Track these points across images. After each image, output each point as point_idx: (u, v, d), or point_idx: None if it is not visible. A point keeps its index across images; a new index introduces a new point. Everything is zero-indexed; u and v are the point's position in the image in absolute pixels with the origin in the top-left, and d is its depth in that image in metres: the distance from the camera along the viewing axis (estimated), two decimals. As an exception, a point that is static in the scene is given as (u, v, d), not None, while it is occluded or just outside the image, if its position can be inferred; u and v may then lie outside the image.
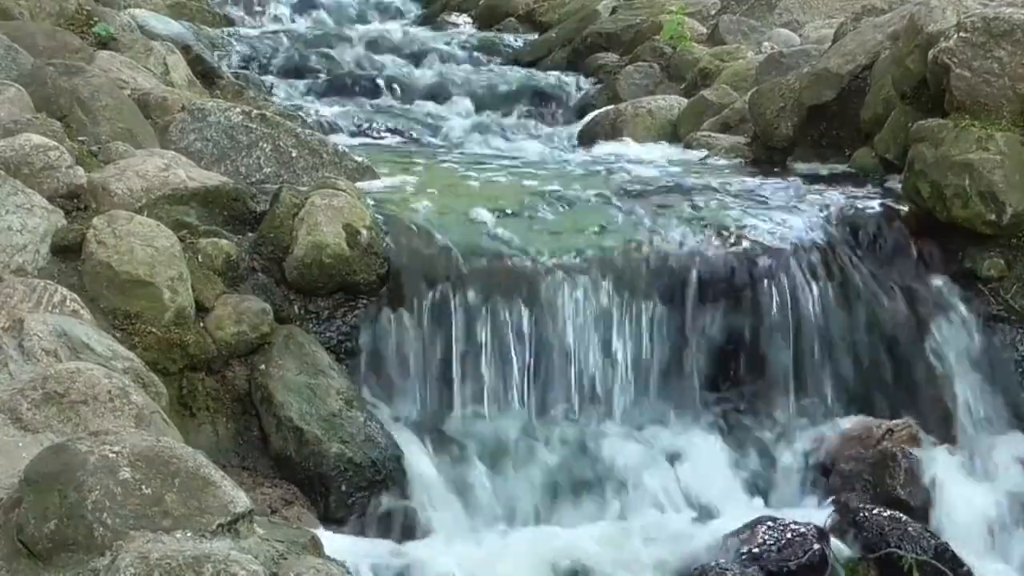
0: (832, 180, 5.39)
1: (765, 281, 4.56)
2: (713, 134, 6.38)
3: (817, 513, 4.14)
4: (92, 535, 2.65)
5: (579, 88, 8.49)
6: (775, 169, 5.69)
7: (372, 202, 4.74)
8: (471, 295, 4.38)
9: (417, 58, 9.15)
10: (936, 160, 4.69)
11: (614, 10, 9.47)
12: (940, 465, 4.34)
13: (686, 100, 7.09)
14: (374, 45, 9.33)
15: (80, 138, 4.81)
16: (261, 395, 4.11)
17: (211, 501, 2.76)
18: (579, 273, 4.47)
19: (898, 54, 5.30)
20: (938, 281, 4.70)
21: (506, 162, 5.99)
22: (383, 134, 7.36)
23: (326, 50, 9.00)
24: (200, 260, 4.23)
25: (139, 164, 4.56)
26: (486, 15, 10.92)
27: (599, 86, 8.37)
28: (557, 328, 4.40)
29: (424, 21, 11.23)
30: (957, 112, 4.80)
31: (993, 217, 4.61)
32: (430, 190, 5.11)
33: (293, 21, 10.68)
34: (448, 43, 9.60)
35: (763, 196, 5.12)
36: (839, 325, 4.58)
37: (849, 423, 4.47)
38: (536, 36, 9.90)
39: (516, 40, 9.86)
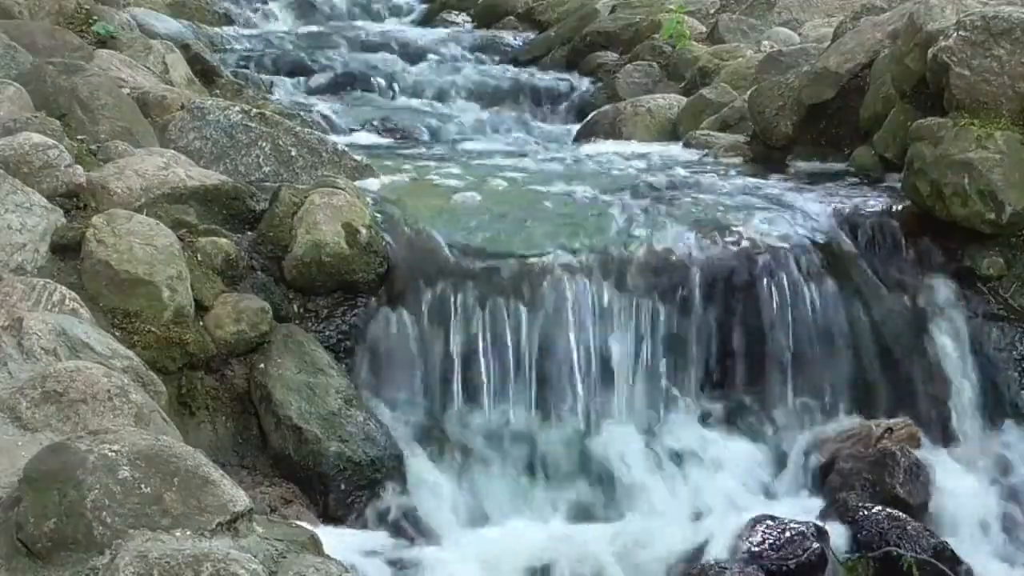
0: (831, 179, 5.39)
1: (764, 280, 4.56)
2: (712, 133, 6.38)
3: (816, 512, 4.14)
4: (91, 534, 2.65)
5: (578, 87, 8.49)
6: (774, 168, 5.69)
7: (371, 201, 4.75)
8: (470, 294, 4.38)
9: (416, 57, 9.15)
10: (935, 159, 4.69)
11: (613, 9, 9.47)
12: (939, 464, 4.34)
13: (685, 99, 7.09)
14: (373, 44, 9.33)
15: (79, 137, 4.81)
16: (260, 394, 4.11)
17: (210, 500, 2.76)
18: (578, 271, 4.47)
19: (897, 53, 5.30)
20: (937, 280, 4.70)
21: (505, 161, 5.99)
22: (382, 133, 7.37)
23: (325, 49, 9.01)
24: (199, 259, 4.23)
25: (138, 163, 4.56)
26: (485, 14, 10.93)
27: (598, 85, 8.38)
28: (556, 327, 4.39)
29: (423, 20, 11.23)
30: (956, 111, 4.80)
31: (992, 216, 4.61)
32: (429, 189, 5.12)
33: (292, 20, 10.68)
34: (447, 42, 9.60)
35: (762, 195, 5.12)
36: (838, 324, 4.57)
37: (849, 422, 4.47)
38: (535, 35, 9.91)
39: (515, 39, 9.86)
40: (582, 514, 4.15)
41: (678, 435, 4.40)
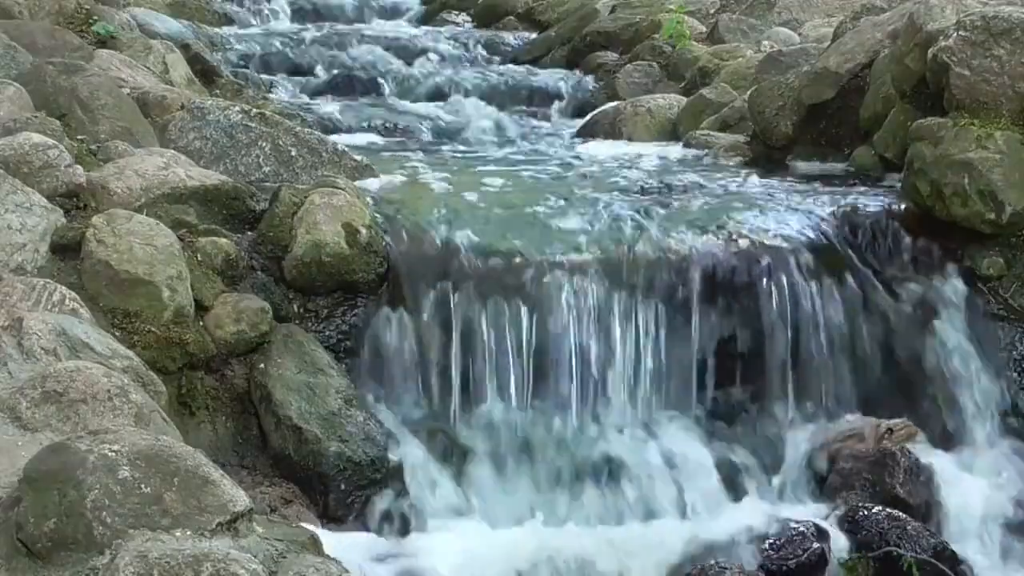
0: (831, 179, 5.39)
1: (764, 280, 4.56)
2: (712, 133, 6.38)
3: (816, 512, 4.15)
4: (91, 534, 2.65)
5: (578, 87, 8.48)
6: (774, 168, 5.69)
7: (371, 201, 4.75)
8: (470, 294, 4.38)
9: (416, 57, 9.14)
10: (935, 159, 4.69)
11: (613, 9, 9.47)
12: (939, 464, 4.34)
13: (685, 99, 7.08)
14: (373, 43, 9.32)
15: (79, 137, 4.81)
16: (260, 394, 4.11)
17: (210, 500, 2.77)
18: (578, 272, 4.47)
19: (897, 53, 5.30)
20: (937, 280, 4.70)
21: (505, 161, 6.00)
22: (382, 133, 7.36)
23: (325, 48, 9.00)
24: (199, 259, 4.23)
25: (138, 163, 4.56)
26: (485, 14, 10.92)
27: (598, 85, 8.37)
28: (557, 327, 4.39)
29: (423, 19, 11.23)
30: (956, 111, 4.80)
31: (992, 216, 4.61)
32: (429, 189, 5.12)
33: (292, 20, 10.68)
34: (447, 42, 9.60)
35: (762, 195, 5.12)
36: (838, 324, 4.57)
37: (849, 422, 4.47)
38: (535, 35, 9.90)
39: (515, 39, 9.85)
40: (581, 514, 4.15)
41: (678, 435, 4.40)
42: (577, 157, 6.18)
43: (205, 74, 7.23)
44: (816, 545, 3.86)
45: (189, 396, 4.07)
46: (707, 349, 4.52)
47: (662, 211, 4.85)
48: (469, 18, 11.09)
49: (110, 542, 2.64)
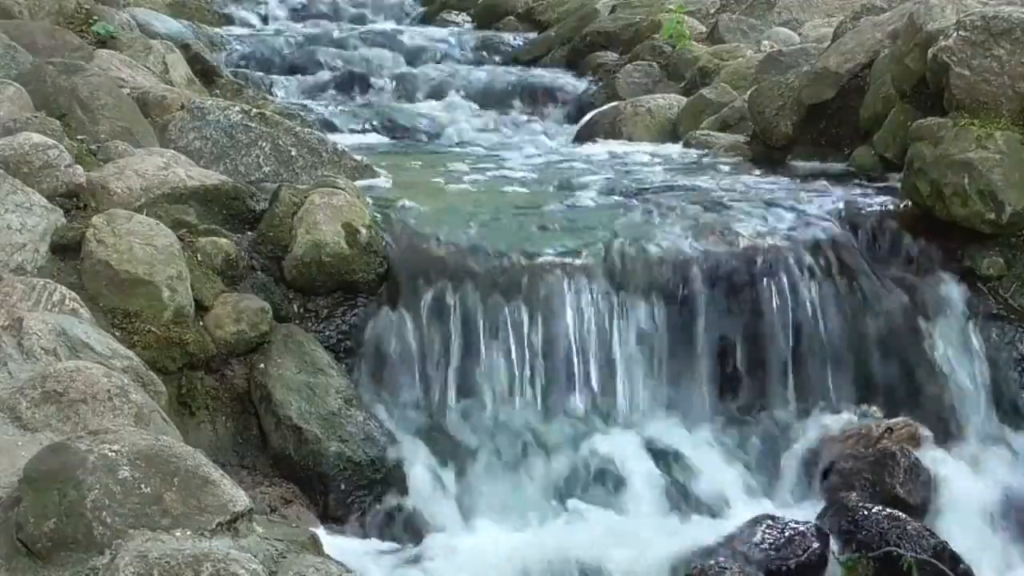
0: (831, 178, 5.39)
1: (765, 280, 4.56)
2: (712, 133, 6.39)
3: (817, 512, 4.14)
4: (91, 534, 2.65)
5: (578, 87, 8.49)
6: (774, 168, 5.69)
7: (371, 201, 4.75)
8: (470, 294, 4.38)
9: (416, 57, 9.15)
10: (935, 159, 4.69)
11: (613, 9, 9.48)
12: (939, 463, 4.34)
13: (685, 99, 7.09)
14: (373, 43, 9.33)
15: (79, 137, 4.82)
16: (260, 394, 4.11)
17: (210, 500, 2.77)
18: (578, 272, 4.47)
19: (897, 53, 5.30)
20: (937, 280, 4.70)
21: (505, 161, 6.00)
22: (382, 133, 7.37)
23: (325, 48, 9.01)
24: (199, 259, 4.23)
25: (138, 163, 4.56)
26: (485, 14, 10.93)
27: (598, 85, 8.38)
28: (556, 327, 4.39)
29: (423, 20, 11.24)
30: (956, 111, 4.80)
31: (992, 216, 4.61)
32: (429, 189, 5.12)
33: (292, 19, 10.69)
34: (447, 42, 9.61)
35: (762, 195, 5.12)
36: (839, 324, 4.57)
37: (849, 422, 4.47)
38: (535, 35, 9.91)
39: (515, 39, 9.86)
40: (582, 514, 4.15)
41: (678, 435, 4.40)
42: (577, 157, 6.18)
43: (205, 74, 7.24)
44: (816, 545, 3.85)
45: (189, 396, 4.07)
46: (707, 349, 4.52)
47: (662, 211, 4.85)
48: (469, 18, 11.10)
49: (110, 542, 2.64)
